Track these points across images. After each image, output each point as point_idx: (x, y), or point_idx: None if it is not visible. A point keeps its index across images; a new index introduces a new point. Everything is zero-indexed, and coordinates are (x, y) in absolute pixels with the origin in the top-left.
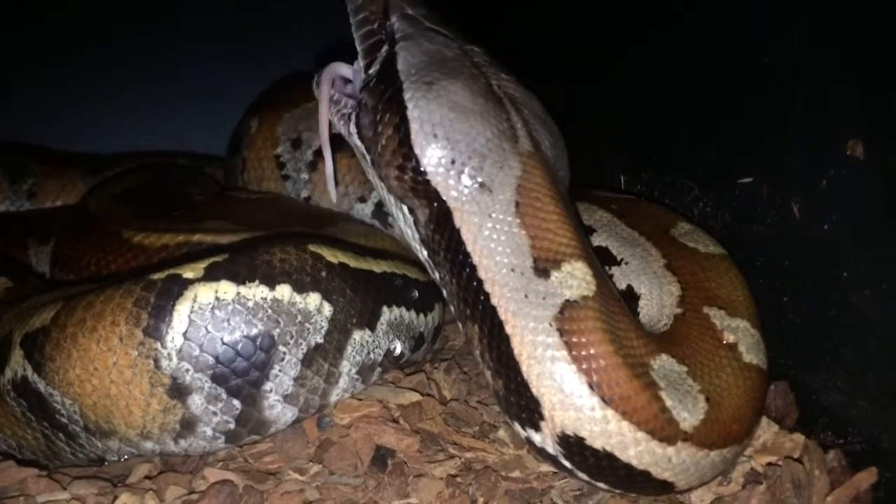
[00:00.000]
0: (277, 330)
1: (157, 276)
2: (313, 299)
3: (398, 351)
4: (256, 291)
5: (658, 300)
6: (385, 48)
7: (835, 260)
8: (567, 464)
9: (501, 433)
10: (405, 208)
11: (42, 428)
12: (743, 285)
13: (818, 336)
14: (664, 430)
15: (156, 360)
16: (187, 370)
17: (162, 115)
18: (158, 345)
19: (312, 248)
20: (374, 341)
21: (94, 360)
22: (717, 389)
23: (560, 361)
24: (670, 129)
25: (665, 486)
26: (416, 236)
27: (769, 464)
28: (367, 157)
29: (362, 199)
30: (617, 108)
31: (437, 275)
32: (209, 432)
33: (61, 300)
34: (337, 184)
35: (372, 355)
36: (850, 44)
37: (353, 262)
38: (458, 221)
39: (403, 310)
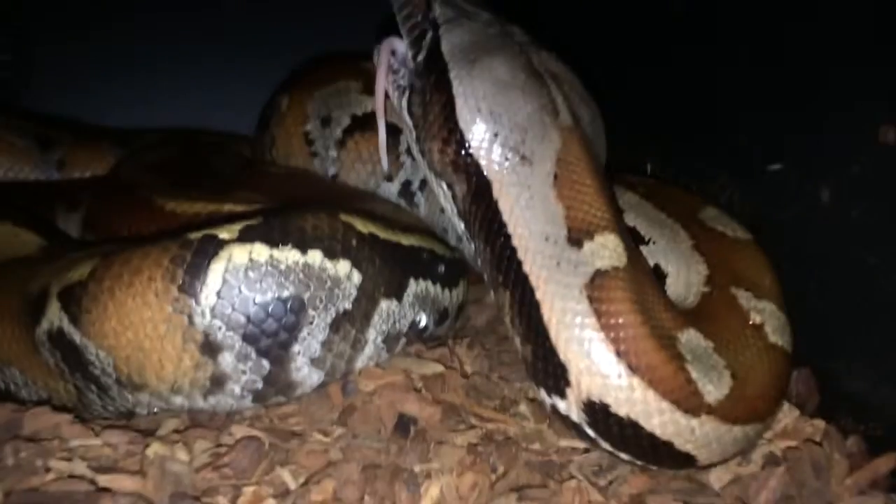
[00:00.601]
0: (308, 294)
1: (193, 235)
2: (343, 266)
3: (423, 323)
4: (289, 255)
5: (685, 279)
6: (430, 35)
7: (862, 247)
8: (591, 432)
9: (522, 407)
10: (444, 184)
11: (74, 380)
12: (770, 269)
13: (842, 323)
14: (689, 401)
15: (189, 317)
16: (219, 328)
17: (187, 92)
18: (193, 301)
19: (344, 216)
20: (400, 312)
21: (130, 314)
22: (742, 366)
23: (588, 328)
24: (699, 115)
25: (687, 460)
26: (455, 210)
27: (789, 447)
28: (414, 134)
29: (389, 178)
30: (646, 94)
31: (472, 245)
32: (237, 390)
33: (99, 255)
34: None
35: (397, 325)
36: (882, 29)
37: (382, 234)
38: (496, 193)
39: (430, 283)
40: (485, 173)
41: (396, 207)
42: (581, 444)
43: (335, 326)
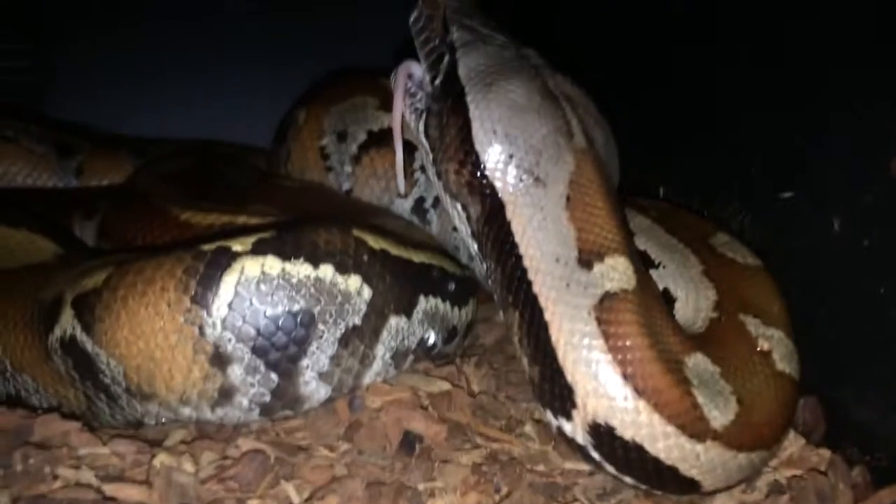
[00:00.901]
0: (318, 308)
1: (207, 246)
2: (354, 281)
3: (431, 341)
4: (301, 269)
5: (694, 304)
6: (447, 59)
7: (872, 276)
8: (596, 455)
9: (528, 428)
10: (459, 205)
11: (84, 388)
12: (779, 297)
13: (851, 352)
14: (695, 426)
15: (201, 328)
16: (230, 340)
17: (206, 103)
18: (204, 313)
19: (356, 232)
20: (409, 328)
21: (142, 324)
22: (748, 393)
23: (595, 350)
24: (711, 141)
25: (691, 485)
26: (468, 231)
27: (794, 476)
28: (430, 156)
29: (403, 196)
30: (659, 118)
31: (483, 265)
32: (245, 403)
33: (113, 264)
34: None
35: (406, 342)
36: (893, 61)
37: (393, 250)
38: (509, 214)
39: (439, 301)
40: (499, 195)
41: (409, 224)
42: (586, 467)
43: (344, 341)
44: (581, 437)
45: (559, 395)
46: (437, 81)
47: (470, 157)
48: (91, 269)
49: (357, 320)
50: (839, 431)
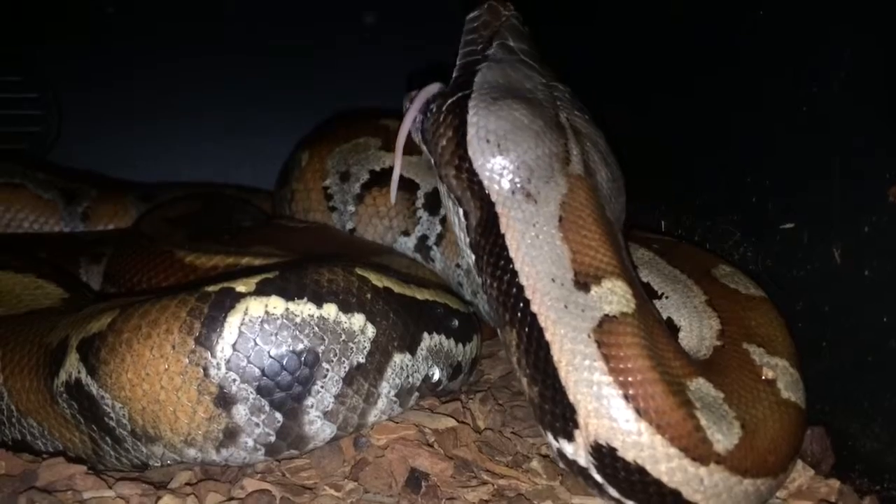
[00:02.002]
0: (322, 347)
1: (210, 288)
2: (358, 320)
3: (436, 377)
4: (304, 308)
5: (698, 333)
6: (474, 64)
7: (875, 305)
8: (598, 477)
9: (535, 464)
10: (461, 211)
11: (90, 431)
12: (783, 327)
13: (857, 381)
14: (697, 448)
15: (205, 369)
16: (234, 380)
17: (207, 147)
18: (209, 354)
19: (359, 271)
20: (413, 366)
21: (147, 366)
22: (752, 419)
23: (597, 371)
24: (712, 173)
25: None
26: (467, 241)
27: None
28: (432, 159)
29: (406, 233)
30: (658, 152)
31: (479, 279)
32: (250, 443)
33: (118, 308)
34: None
35: (411, 379)
36: (892, 89)
37: (397, 288)
38: (503, 226)
39: (443, 338)
40: (493, 204)
41: (412, 262)
42: (594, 502)
43: (349, 380)
44: (584, 460)
45: (561, 416)
46: (453, 79)
47: (464, 163)
48: (96, 312)
49: (361, 359)
50: (848, 462)
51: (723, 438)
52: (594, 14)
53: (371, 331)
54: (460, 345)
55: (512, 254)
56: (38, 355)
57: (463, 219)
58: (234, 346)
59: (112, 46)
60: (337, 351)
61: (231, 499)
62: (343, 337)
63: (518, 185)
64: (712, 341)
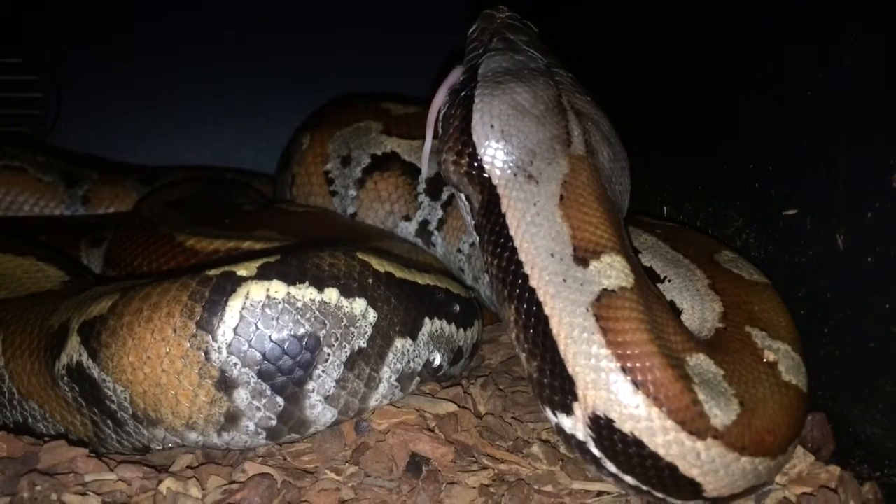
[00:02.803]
0: (323, 331)
1: (212, 272)
2: (359, 304)
3: (437, 362)
4: (306, 293)
5: (700, 315)
6: (476, 59)
7: (877, 292)
8: (597, 452)
9: (535, 449)
10: (463, 196)
11: (91, 414)
12: (786, 312)
13: (858, 368)
14: (694, 422)
15: (206, 353)
16: (235, 364)
17: (207, 130)
18: (210, 338)
19: (361, 255)
20: (414, 350)
21: (148, 349)
22: (751, 398)
23: (595, 344)
24: (714, 159)
25: (693, 487)
26: (472, 223)
27: (804, 493)
28: (438, 141)
29: (407, 218)
30: (661, 138)
31: (484, 260)
32: (251, 427)
33: (119, 291)
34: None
35: (412, 364)
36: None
37: (398, 273)
38: (504, 207)
39: (444, 323)
40: (494, 187)
41: (413, 247)
42: (594, 487)
43: (350, 364)
44: (582, 433)
45: (559, 389)
46: (462, 78)
47: (467, 148)
48: (97, 295)
49: (362, 343)
50: (849, 448)
51: (721, 414)
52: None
53: (372, 315)
54: (461, 330)
55: (512, 232)
56: (39, 338)
57: (465, 203)
58: (235, 329)
59: (112, 29)
60: (338, 335)
61: (232, 482)
62: (344, 321)
63: (520, 167)
64: (714, 324)
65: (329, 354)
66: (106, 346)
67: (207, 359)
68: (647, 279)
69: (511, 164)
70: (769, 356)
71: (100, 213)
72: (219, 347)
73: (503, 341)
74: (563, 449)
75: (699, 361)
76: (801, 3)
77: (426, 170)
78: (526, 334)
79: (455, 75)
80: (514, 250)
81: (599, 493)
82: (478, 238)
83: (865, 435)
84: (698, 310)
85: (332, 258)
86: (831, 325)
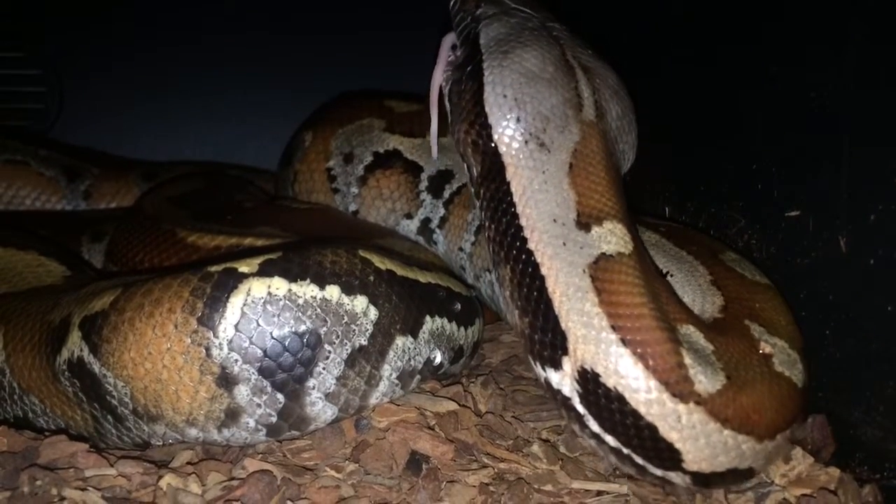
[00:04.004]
0: (324, 329)
1: (213, 268)
2: (360, 302)
3: (438, 360)
4: (307, 290)
5: (700, 307)
6: (472, 30)
7: (879, 294)
8: (581, 408)
9: (535, 448)
10: (466, 166)
11: (92, 409)
12: (787, 313)
13: (859, 370)
14: (678, 385)
15: (207, 349)
16: (236, 361)
17: (209, 126)
18: (211, 334)
19: (362, 252)
20: (415, 348)
21: (149, 345)
22: (739, 375)
23: (588, 302)
24: (717, 160)
25: (672, 454)
26: (472, 191)
27: (803, 495)
28: (450, 119)
29: (409, 216)
30: (664, 138)
31: (482, 222)
32: (252, 424)
33: (120, 286)
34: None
35: (412, 362)
36: None
37: (399, 270)
38: (510, 174)
39: (445, 321)
40: (502, 155)
41: (415, 245)
42: (594, 487)
43: (350, 362)
44: (568, 388)
45: (550, 344)
46: (462, 52)
47: (479, 119)
48: (98, 290)
49: (363, 341)
50: (849, 450)
51: (705, 381)
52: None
53: (373, 313)
54: (462, 328)
55: (515, 199)
56: (40, 333)
57: (467, 171)
58: (236, 326)
59: (114, 24)
60: (339, 333)
61: (232, 478)
62: (345, 319)
63: (532, 135)
64: (713, 314)
65: (330, 352)
66: (107, 341)
67: (208, 355)
68: (645, 249)
69: (524, 133)
70: (765, 348)
71: (101, 209)
72: (220, 344)
73: (504, 340)
74: (563, 448)
75: (690, 332)
76: (805, 2)
77: (436, 151)
78: (520, 292)
79: (446, 49)
80: (515, 215)
81: (599, 493)
82: (476, 202)
83: (866, 437)
84: (699, 302)
85: (334, 255)
86: (833, 326)
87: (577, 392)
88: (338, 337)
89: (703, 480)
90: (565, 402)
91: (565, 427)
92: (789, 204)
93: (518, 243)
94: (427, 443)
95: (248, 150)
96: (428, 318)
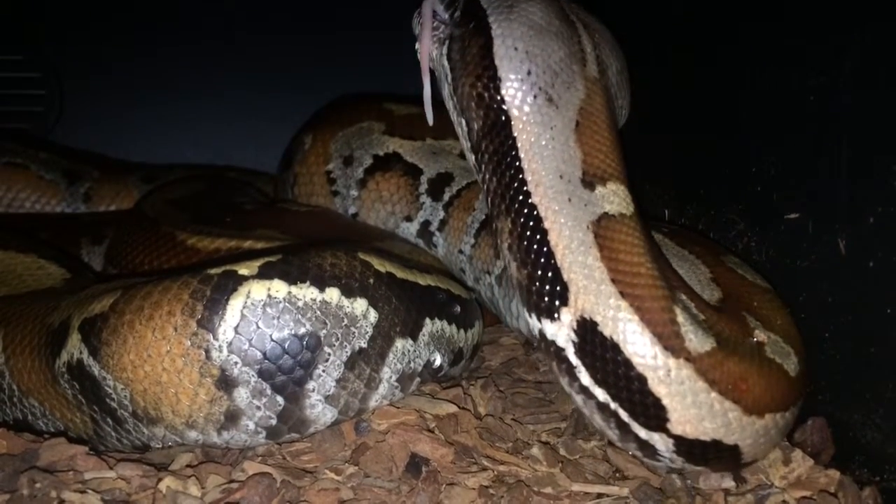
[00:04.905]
0: (324, 331)
1: (213, 270)
2: (360, 304)
3: (438, 363)
4: (307, 292)
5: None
6: None
7: (879, 296)
8: (574, 359)
9: (535, 450)
10: (464, 121)
11: (91, 412)
12: (786, 314)
13: (858, 373)
14: (670, 339)
15: (207, 352)
16: (236, 363)
17: (209, 129)
18: (211, 336)
19: (362, 255)
20: (415, 351)
21: (149, 347)
22: (729, 344)
23: (591, 256)
24: (716, 163)
25: (658, 411)
26: (468, 146)
27: (803, 497)
28: (450, 76)
29: (408, 219)
30: (663, 141)
31: (478, 175)
32: (251, 426)
33: (120, 289)
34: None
35: (412, 365)
36: None
37: (399, 273)
38: (517, 129)
39: (445, 323)
40: (509, 109)
41: (414, 247)
42: (593, 489)
43: (350, 364)
44: (563, 339)
45: (548, 295)
46: (458, 11)
47: (488, 72)
48: (98, 293)
49: (363, 343)
50: (848, 453)
51: (696, 340)
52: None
53: (373, 316)
54: (462, 331)
55: (522, 153)
56: (39, 335)
57: (465, 127)
58: (236, 328)
59: (114, 27)
60: (339, 335)
61: (232, 481)
62: (345, 321)
63: (541, 89)
64: (711, 303)
65: (329, 354)
66: (107, 343)
67: (208, 357)
68: (643, 216)
69: (533, 86)
70: (759, 336)
71: (101, 211)
72: (219, 346)
73: (504, 343)
74: (562, 451)
75: (685, 299)
76: (803, 4)
77: (431, 117)
78: (520, 245)
79: (429, 13)
80: (520, 169)
81: (599, 496)
82: (472, 157)
83: (865, 439)
84: (697, 292)
85: (334, 258)
86: (832, 329)
87: (573, 342)
88: (337, 339)
89: (687, 449)
90: (558, 353)
91: (565, 429)
92: (789, 206)
93: (521, 197)
94: (427, 445)
95: (247, 152)
96: (428, 320)
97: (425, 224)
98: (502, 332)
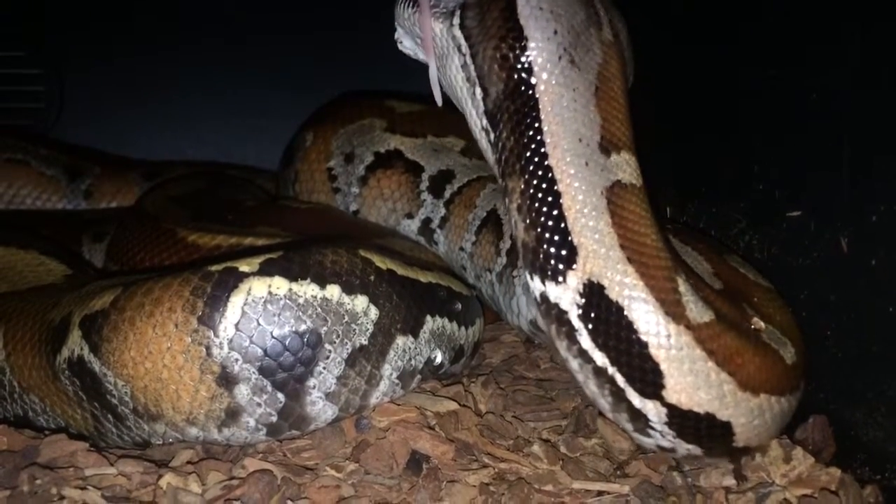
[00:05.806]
0: (325, 328)
1: (214, 267)
2: (361, 301)
3: (438, 360)
4: (307, 289)
5: None
6: None
7: (881, 295)
8: (576, 321)
9: (536, 448)
10: (479, 88)
11: (92, 408)
12: (786, 312)
13: (860, 371)
14: (672, 306)
15: (207, 348)
16: (237, 360)
17: (210, 126)
18: (211, 333)
19: (363, 252)
20: (416, 348)
21: (150, 344)
22: (726, 319)
23: (602, 221)
24: (718, 161)
25: (655, 377)
26: (483, 109)
27: (804, 495)
28: (464, 46)
29: (409, 216)
30: (664, 138)
31: (492, 135)
32: (252, 423)
33: (121, 285)
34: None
35: (413, 362)
36: None
37: (400, 270)
38: (539, 90)
39: (446, 321)
40: (534, 70)
41: (416, 245)
42: (594, 487)
43: (351, 361)
44: (566, 302)
45: (556, 257)
46: None
47: (512, 33)
48: (99, 289)
49: (364, 340)
50: (850, 451)
51: (696, 310)
52: None
53: (374, 313)
54: (463, 328)
55: (542, 115)
56: (40, 332)
57: (480, 92)
58: (236, 325)
59: (115, 24)
60: (340, 332)
61: (232, 478)
62: (346, 318)
63: (565, 51)
64: None
65: (330, 351)
66: (107, 340)
67: (209, 354)
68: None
69: (558, 47)
70: (756, 323)
71: (102, 208)
72: (220, 343)
73: (504, 340)
74: (563, 448)
75: (685, 278)
76: (805, 3)
77: (439, 96)
78: (531, 205)
79: None
80: (539, 130)
81: (600, 493)
82: (486, 120)
83: (867, 438)
84: None
85: (335, 255)
86: (834, 327)
87: (577, 304)
88: (338, 336)
89: (679, 421)
90: (560, 316)
91: (566, 427)
92: (790, 204)
93: (537, 158)
94: (427, 442)
95: (249, 149)
96: (429, 317)
97: (426, 221)
98: (503, 330)
